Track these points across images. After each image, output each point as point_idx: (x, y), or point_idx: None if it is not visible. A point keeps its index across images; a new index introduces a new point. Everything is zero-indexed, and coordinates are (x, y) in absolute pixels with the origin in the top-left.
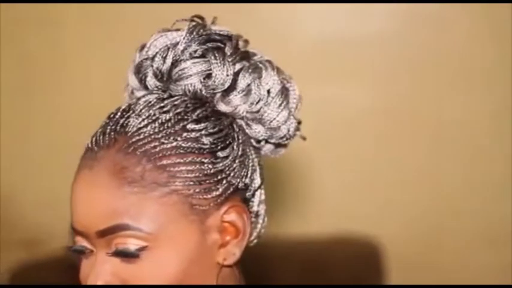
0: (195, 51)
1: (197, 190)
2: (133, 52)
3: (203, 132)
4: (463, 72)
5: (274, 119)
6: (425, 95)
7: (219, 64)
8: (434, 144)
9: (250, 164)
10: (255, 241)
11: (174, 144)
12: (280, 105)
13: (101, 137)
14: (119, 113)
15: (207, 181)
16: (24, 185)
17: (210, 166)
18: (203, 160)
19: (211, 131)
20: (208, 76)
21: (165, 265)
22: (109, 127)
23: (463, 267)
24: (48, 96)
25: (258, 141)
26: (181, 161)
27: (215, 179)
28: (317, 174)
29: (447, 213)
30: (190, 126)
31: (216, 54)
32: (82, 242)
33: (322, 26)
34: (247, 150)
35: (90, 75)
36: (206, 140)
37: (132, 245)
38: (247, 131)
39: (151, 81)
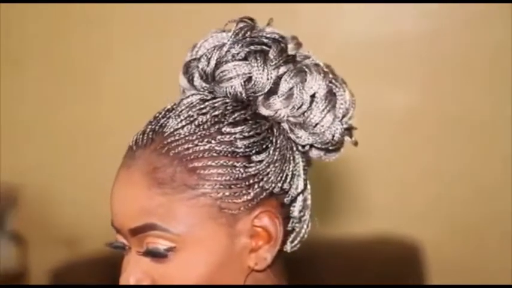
0: (238, 54)
1: (227, 194)
2: (171, 53)
3: (238, 135)
4: (503, 71)
5: (317, 124)
6: (465, 94)
7: (259, 67)
8: (476, 144)
9: (291, 169)
10: (298, 246)
11: (207, 146)
12: (323, 110)
13: (141, 136)
14: (162, 113)
15: (238, 185)
16: (64, 185)
17: (242, 170)
18: (235, 164)
19: (246, 134)
20: (249, 79)
21: (192, 267)
22: (150, 126)
23: (504, 269)
24: (85, 98)
25: (303, 146)
26: (213, 164)
27: (246, 184)
28: (360, 175)
29: (490, 215)
30: (225, 129)
31: (258, 58)
32: (121, 239)
33: (360, 26)
34: (288, 154)
35: (125, 76)
36: (240, 144)
37: (161, 245)
38: (290, 135)
39: (197, 81)
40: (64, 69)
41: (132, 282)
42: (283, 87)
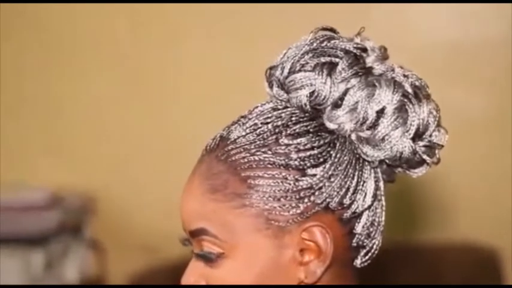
0: (307, 64)
1: (274, 206)
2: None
3: (294, 147)
4: None
5: (383, 139)
6: None
7: (322, 80)
8: None
9: (354, 185)
10: (368, 261)
11: (262, 157)
12: (389, 125)
13: (210, 141)
14: (236, 119)
15: (287, 198)
16: (143, 191)
17: (293, 183)
18: (287, 176)
19: (302, 147)
20: (314, 91)
21: (238, 275)
22: (221, 132)
23: None
24: (162, 105)
25: (372, 162)
26: (265, 174)
27: (296, 197)
28: (432, 181)
29: None
30: (283, 140)
31: (324, 70)
32: None
33: (435, 29)
34: (351, 170)
35: (204, 80)
36: (295, 156)
37: (211, 250)
38: (358, 150)
39: (275, 89)
40: (141, 73)
41: (192, 283)
42: (348, 100)
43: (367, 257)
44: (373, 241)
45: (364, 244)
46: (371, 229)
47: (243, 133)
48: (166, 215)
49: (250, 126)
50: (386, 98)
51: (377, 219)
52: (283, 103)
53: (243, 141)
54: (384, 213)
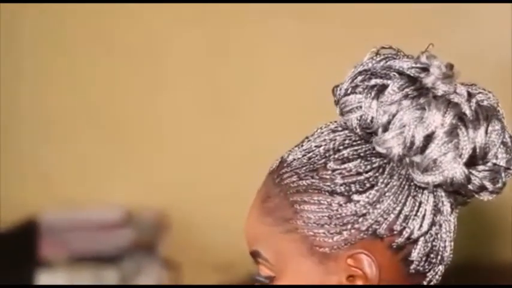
0: (358, 86)
1: (319, 232)
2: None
3: (339, 173)
4: None
5: (432, 165)
6: None
7: (367, 103)
8: None
9: (404, 210)
10: None
11: (309, 181)
12: (438, 150)
13: (275, 161)
14: (302, 139)
15: (331, 224)
16: (217, 209)
17: (336, 209)
18: (331, 202)
19: (348, 173)
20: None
21: None
22: (284, 153)
23: None
24: (235, 117)
25: (425, 187)
26: (310, 200)
27: (340, 223)
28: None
29: None
30: (330, 165)
31: (371, 93)
32: None
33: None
34: (401, 196)
35: (279, 92)
36: (340, 182)
37: (265, 273)
38: (411, 175)
39: (337, 109)
40: (216, 90)
41: None
42: (395, 124)
43: (430, 284)
44: (437, 268)
45: (426, 270)
46: (431, 255)
47: (299, 155)
48: (239, 232)
49: (306, 149)
50: (436, 121)
51: (439, 245)
52: (344, 125)
53: (295, 164)
54: (449, 238)
